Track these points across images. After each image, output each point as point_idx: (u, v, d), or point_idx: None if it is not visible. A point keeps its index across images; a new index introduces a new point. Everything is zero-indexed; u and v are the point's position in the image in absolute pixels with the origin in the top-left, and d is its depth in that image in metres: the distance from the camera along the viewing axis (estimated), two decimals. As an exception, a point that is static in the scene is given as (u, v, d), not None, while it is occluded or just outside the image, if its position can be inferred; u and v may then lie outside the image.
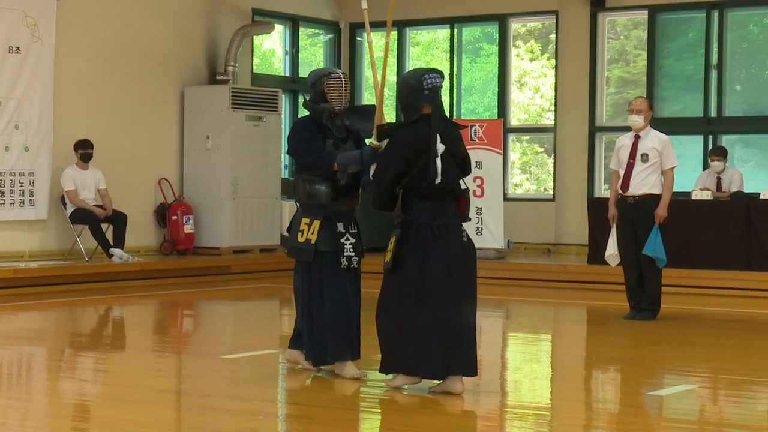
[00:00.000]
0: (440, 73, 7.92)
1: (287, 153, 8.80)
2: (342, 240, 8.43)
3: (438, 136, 7.81)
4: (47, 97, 15.52)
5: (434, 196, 7.83)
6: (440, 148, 7.79)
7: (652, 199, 11.86)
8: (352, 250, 8.47)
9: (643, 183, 11.88)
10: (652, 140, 11.91)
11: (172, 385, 8.48)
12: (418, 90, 7.84)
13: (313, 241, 8.37)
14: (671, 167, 11.94)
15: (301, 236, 8.41)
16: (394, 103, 20.09)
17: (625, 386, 8.73)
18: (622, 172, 11.99)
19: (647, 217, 11.84)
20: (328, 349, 8.43)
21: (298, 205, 8.59)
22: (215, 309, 13.85)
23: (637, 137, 11.96)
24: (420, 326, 7.77)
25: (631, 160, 11.92)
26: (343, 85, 8.47)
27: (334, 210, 8.45)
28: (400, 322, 7.83)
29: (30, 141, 15.37)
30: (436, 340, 7.74)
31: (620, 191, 12.01)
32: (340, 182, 8.37)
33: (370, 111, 8.56)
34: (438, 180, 7.79)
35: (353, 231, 8.52)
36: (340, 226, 8.45)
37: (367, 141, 8.48)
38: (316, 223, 8.38)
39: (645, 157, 11.87)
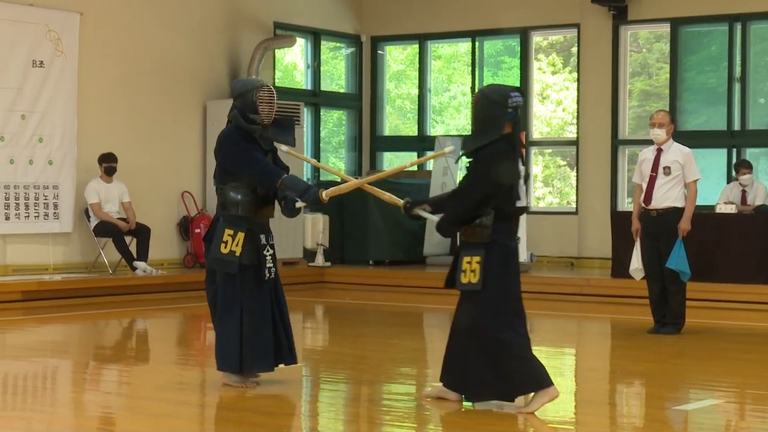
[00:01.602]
0: (522, 93, 7.77)
1: (220, 161, 8.60)
2: (264, 252, 8.45)
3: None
4: (70, 111, 15.59)
5: (513, 218, 7.75)
6: (522, 170, 7.71)
7: (675, 213, 11.83)
8: (271, 261, 8.51)
9: (666, 196, 11.85)
10: (675, 153, 11.89)
11: (195, 398, 8.48)
12: (501, 107, 7.61)
13: (237, 253, 8.35)
14: (694, 180, 11.90)
15: (225, 247, 8.37)
16: (414, 117, 20.11)
17: (649, 400, 8.69)
18: (644, 186, 11.97)
19: (670, 231, 11.80)
20: (245, 361, 8.41)
21: (218, 214, 8.54)
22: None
23: (659, 150, 11.94)
24: (525, 344, 7.70)
25: (654, 174, 11.89)
26: (274, 98, 8.51)
27: (256, 222, 8.48)
28: (510, 345, 7.64)
29: (54, 154, 15.43)
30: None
31: (643, 205, 11.98)
32: (278, 202, 8.48)
33: (289, 124, 8.69)
34: (521, 202, 7.73)
35: (272, 242, 8.55)
36: (263, 238, 8.49)
37: (324, 194, 8.39)
38: (241, 235, 8.37)
39: (667, 170, 11.84)
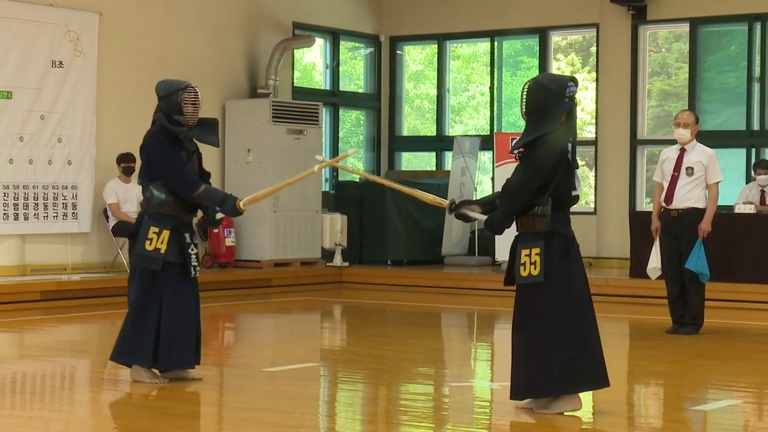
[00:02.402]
0: (577, 83, 7.64)
1: (145, 161, 8.66)
2: (189, 251, 8.51)
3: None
4: (89, 111, 15.63)
5: (567, 207, 7.64)
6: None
7: (696, 213, 11.79)
8: (195, 260, 8.57)
9: (687, 197, 11.82)
10: (698, 154, 11.85)
11: (214, 398, 8.50)
12: (559, 97, 7.47)
13: (162, 251, 8.40)
14: (716, 182, 11.87)
15: (150, 244, 8.41)
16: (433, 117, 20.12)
17: (667, 401, 8.67)
18: (666, 185, 11.94)
19: (690, 231, 11.77)
20: (162, 357, 8.45)
21: (143, 211, 8.59)
22: (256, 322, 13.88)
23: (682, 150, 11.91)
24: (591, 336, 7.57)
25: (676, 173, 11.86)
26: (198, 99, 8.56)
27: (180, 220, 8.53)
28: (574, 338, 7.50)
29: (72, 154, 15.47)
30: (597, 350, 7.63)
31: (664, 204, 11.95)
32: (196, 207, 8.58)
33: (213, 124, 8.77)
34: (576, 191, 7.66)
35: (195, 242, 8.60)
36: (187, 237, 8.54)
37: (241, 203, 8.49)
38: (166, 233, 8.42)
39: (690, 171, 11.80)
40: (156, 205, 8.48)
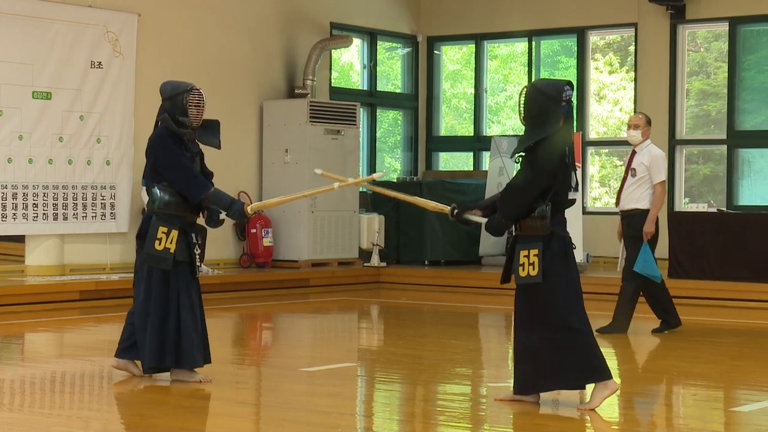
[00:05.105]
0: (573, 87, 7.82)
1: (153, 162, 8.69)
2: (194, 250, 8.59)
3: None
4: (128, 112, 15.70)
5: (564, 209, 7.81)
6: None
7: (637, 215, 11.76)
8: (199, 260, 8.72)
9: (630, 197, 11.83)
10: (644, 155, 11.86)
11: (251, 398, 8.52)
12: (556, 101, 7.67)
13: (171, 250, 8.46)
14: (660, 181, 11.81)
15: (159, 244, 8.49)
16: (471, 116, 20.09)
17: (707, 402, 8.63)
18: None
19: (633, 233, 11.73)
20: (185, 356, 8.49)
21: (150, 212, 8.60)
22: (294, 322, 13.90)
23: (633, 152, 11.98)
24: (590, 332, 7.76)
25: (626, 175, 11.92)
26: (203, 101, 8.61)
27: (187, 220, 8.60)
28: (577, 333, 7.69)
29: (111, 155, 15.55)
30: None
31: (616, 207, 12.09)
32: (202, 212, 8.64)
33: (215, 126, 8.82)
34: (573, 194, 7.82)
35: (200, 242, 8.67)
36: (193, 237, 8.61)
37: (248, 209, 8.54)
38: (175, 233, 8.49)
39: (633, 172, 11.84)
40: (162, 205, 8.56)
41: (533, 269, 7.61)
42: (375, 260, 17.80)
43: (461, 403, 8.27)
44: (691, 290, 14.12)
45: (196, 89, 8.65)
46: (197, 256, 8.68)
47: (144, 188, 8.91)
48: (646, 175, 11.77)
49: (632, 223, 11.74)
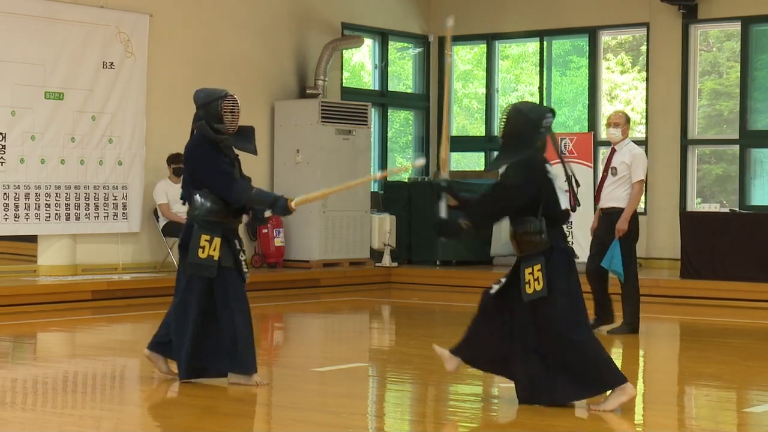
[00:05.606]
0: (554, 114, 8.00)
1: (191, 170, 8.68)
2: (239, 256, 8.58)
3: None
4: (140, 112, 15.72)
5: (561, 223, 7.92)
6: (560, 175, 7.94)
7: (618, 213, 11.75)
8: (245, 265, 8.63)
9: (611, 196, 11.82)
10: (625, 154, 11.85)
11: (263, 398, 8.52)
12: (535, 126, 7.85)
13: (216, 257, 8.44)
14: (638, 180, 11.80)
15: (202, 252, 8.45)
16: (483, 117, 20.09)
17: (718, 402, 8.61)
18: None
19: (613, 231, 11.72)
20: (242, 360, 8.47)
21: (191, 220, 8.56)
22: (305, 322, 13.91)
23: (613, 150, 11.96)
24: (598, 341, 7.86)
25: (605, 173, 11.91)
26: (238, 107, 8.60)
27: (228, 227, 8.59)
28: (588, 344, 7.79)
29: (123, 155, 15.57)
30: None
31: (595, 204, 12.06)
32: (245, 217, 8.68)
33: (250, 132, 8.79)
34: (564, 206, 7.91)
35: (242, 248, 8.64)
36: (236, 243, 8.59)
37: (292, 203, 8.52)
38: (217, 240, 8.46)
39: (614, 171, 11.83)
40: (205, 212, 8.51)
41: (538, 284, 7.71)
42: (386, 260, 17.80)
43: (472, 403, 8.26)
44: (702, 290, 14.11)
45: (231, 95, 8.63)
46: (243, 262, 8.62)
47: (180, 201, 8.88)
48: (627, 174, 11.77)
49: (614, 221, 11.72)
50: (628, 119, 12.07)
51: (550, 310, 7.71)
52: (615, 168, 11.80)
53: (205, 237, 8.45)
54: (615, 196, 11.78)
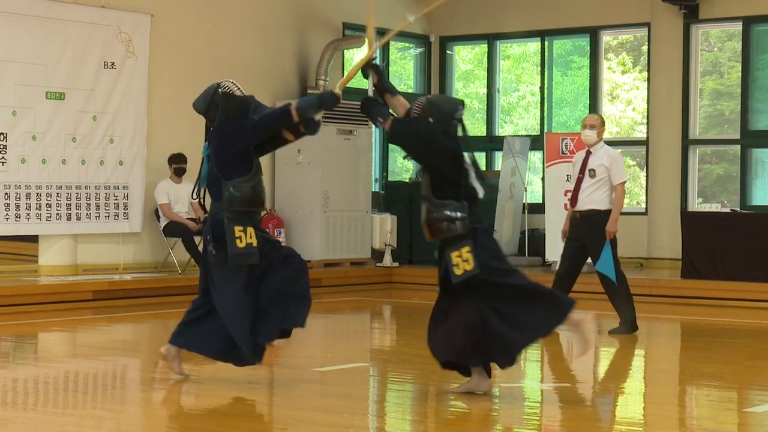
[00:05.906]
0: (465, 105, 8.30)
1: (221, 153, 8.95)
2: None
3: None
4: (141, 112, 15.73)
5: (474, 206, 8.09)
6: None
7: (599, 215, 11.72)
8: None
9: (590, 198, 11.78)
10: (602, 156, 11.83)
11: (264, 398, 8.52)
12: (448, 117, 8.14)
13: (254, 244, 8.54)
14: (621, 182, 11.80)
15: (240, 242, 8.52)
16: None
17: (720, 402, 8.61)
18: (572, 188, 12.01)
19: (596, 234, 11.69)
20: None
21: (220, 215, 8.58)
22: (306, 321, 13.87)
23: (588, 152, 11.93)
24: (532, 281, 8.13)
25: (581, 176, 11.88)
26: (237, 85, 8.98)
27: (254, 218, 8.72)
28: (532, 282, 8.03)
29: (124, 155, 15.58)
30: None
31: (570, 207, 11.98)
32: (295, 130, 8.78)
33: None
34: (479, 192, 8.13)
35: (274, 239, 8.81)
36: (262, 235, 8.70)
37: (337, 89, 8.74)
38: (251, 229, 8.56)
39: (592, 173, 11.79)
40: (238, 202, 8.55)
41: (468, 264, 7.87)
42: (387, 260, 17.80)
43: (473, 403, 8.26)
44: (704, 290, 14.10)
45: (224, 82, 8.78)
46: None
47: (195, 201, 8.94)
48: (605, 176, 11.76)
49: (595, 223, 11.69)
50: (603, 122, 12.08)
51: (492, 278, 7.90)
52: (593, 170, 11.78)
53: (238, 228, 8.52)
54: (594, 198, 11.76)
